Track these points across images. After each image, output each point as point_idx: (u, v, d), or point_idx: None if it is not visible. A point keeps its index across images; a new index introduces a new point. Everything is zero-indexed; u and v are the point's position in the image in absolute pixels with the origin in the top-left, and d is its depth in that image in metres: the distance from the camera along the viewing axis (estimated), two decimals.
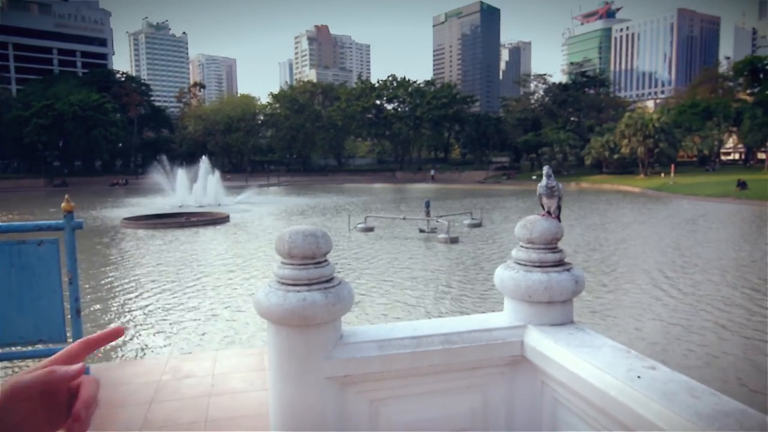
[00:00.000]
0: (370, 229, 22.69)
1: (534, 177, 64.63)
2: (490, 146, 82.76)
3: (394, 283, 13.24)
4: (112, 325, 0.76)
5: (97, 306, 11.46)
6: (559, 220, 2.47)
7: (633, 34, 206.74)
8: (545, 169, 2.59)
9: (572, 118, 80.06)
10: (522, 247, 2.44)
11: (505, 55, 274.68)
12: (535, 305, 2.36)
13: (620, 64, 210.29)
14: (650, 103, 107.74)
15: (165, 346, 8.97)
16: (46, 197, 48.20)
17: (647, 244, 19.26)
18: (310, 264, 2.12)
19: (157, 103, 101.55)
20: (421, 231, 22.07)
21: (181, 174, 41.26)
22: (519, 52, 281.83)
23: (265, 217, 29.23)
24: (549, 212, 2.48)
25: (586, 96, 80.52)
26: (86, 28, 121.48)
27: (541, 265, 2.35)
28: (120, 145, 77.60)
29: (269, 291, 2.11)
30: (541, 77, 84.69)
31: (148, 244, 20.02)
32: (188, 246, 19.37)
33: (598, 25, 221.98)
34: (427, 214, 23.69)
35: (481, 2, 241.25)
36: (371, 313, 10.69)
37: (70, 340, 4.07)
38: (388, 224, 24.43)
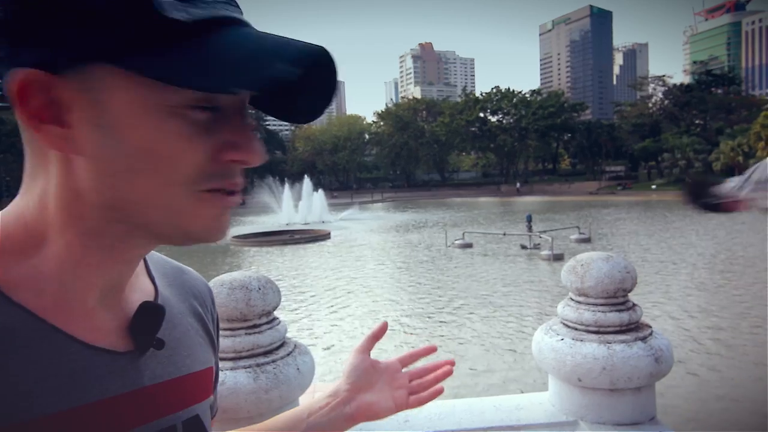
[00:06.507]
0: (468, 246, 21.65)
1: (654, 186, 59.57)
2: (602, 155, 78.16)
3: (476, 306, 12.21)
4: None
5: None
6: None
7: (767, 27, 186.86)
8: None
9: (696, 121, 73.32)
10: (571, 300, 1.64)
11: (618, 59, 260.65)
12: (590, 393, 1.54)
13: (753, 60, 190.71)
14: None
15: None
16: None
17: None
18: (240, 329, 1.48)
19: (271, 127, 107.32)
20: (523, 247, 20.63)
21: (287, 193, 42.74)
22: (634, 54, 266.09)
23: (365, 234, 29.15)
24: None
25: (713, 96, 73.31)
26: None
27: (598, 331, 1.53)
28: None
29: None
30: (659, 79, 78.59)
31: (254, 260, 20.58)
32: (287, 263, 19.64)
33: (726, 19, 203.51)
34: (529, 228, 22.24)
35: (591, 6, 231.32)
36: (450, 349, 9.85)
37: None
38: (489, 240, 23.26)
